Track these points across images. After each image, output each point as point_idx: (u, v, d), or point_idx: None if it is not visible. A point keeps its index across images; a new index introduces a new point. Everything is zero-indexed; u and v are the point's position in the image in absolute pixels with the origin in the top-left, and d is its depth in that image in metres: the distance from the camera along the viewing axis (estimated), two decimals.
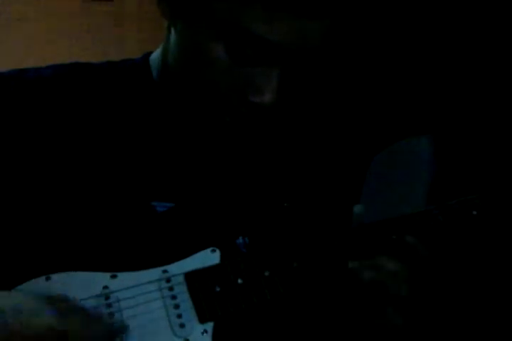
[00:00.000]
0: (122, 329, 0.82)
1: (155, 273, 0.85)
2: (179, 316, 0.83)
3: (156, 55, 0.97)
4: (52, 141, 0.89)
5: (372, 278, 0.84)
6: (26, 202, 0.87)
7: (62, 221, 0.86)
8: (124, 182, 0.89)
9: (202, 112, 0.89)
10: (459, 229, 0.88)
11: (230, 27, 0.81)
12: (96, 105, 0.93)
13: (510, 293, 1.47)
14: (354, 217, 0.88)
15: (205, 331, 0.83)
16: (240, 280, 0.84)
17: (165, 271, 0.85)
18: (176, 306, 0.84)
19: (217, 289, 0.84)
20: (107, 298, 0.83)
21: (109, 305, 0.83)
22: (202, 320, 0.83)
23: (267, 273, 0.85)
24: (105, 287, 0.84)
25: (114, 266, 0.85)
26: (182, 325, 0.83)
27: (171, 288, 0.84)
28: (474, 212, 0.88)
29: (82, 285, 0.83)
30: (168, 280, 0.85)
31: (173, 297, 0.84)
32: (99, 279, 0.84)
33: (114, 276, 0.84)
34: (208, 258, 0.86)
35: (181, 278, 0.85)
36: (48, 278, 0.84)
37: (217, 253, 0.86)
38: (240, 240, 0.91)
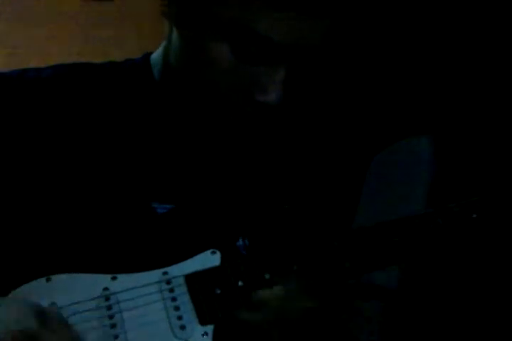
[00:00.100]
0: None
1: (155, 274, 0.85)
2: (179, 318, 0.83)
3: (156, 55, 0.97)
4: (53, 141, 0.89)
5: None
6: (27, 204, 0.87)
7: (63, 222, 0.87)
8: (125, 184, 0.89)
9: (204, 112, 0.89)
10: (459, 232, 0.88)
11: (234, 27, 0.82)
12: (97, 105, 0.93)
13: (510, 295, 1.47)
14: None
15: (206, 333, 0.83)
16: (240, 283, 0.84)
17: (165, 273, 0.85)
18: (176, 308, 0.84)
19: (218, 291, 0.84)
20: (107, 299, 0.83)
21: (109, 307, 0.83)
22: (202, 322, 0.83)
23: (267, 276, 0.85)
24: (105, 288, 0.84)
25: (115, 268, 0.85)
26: (182, 327, 0.83)
27: (171, 290, 0.84)
28: (474, 215, 0.88)
29: (82, 287, 0.83)
30: (168, 282, 0.85)
31: (174, 299, 0.84)
32: (100, 281, 0.84)
33: (114, 278, 0.84)
34: (208, 260, 0.86)
35: (182, 280, 0.85)
36: (48, 280, 0.84)
37: (218, 255, 0.86)
38: (241, 242, 0.91)
